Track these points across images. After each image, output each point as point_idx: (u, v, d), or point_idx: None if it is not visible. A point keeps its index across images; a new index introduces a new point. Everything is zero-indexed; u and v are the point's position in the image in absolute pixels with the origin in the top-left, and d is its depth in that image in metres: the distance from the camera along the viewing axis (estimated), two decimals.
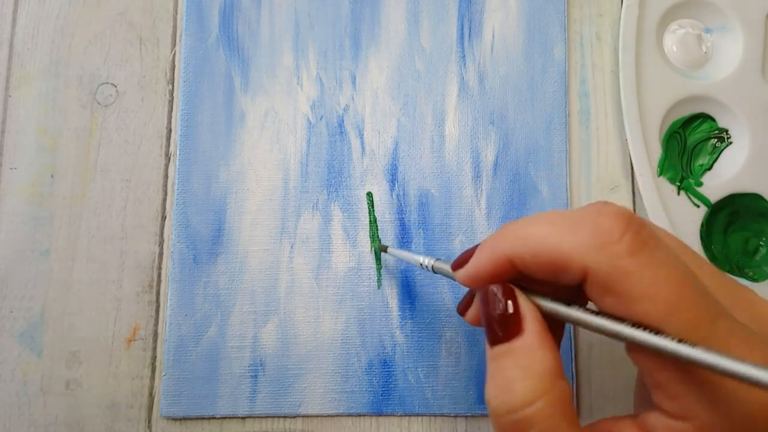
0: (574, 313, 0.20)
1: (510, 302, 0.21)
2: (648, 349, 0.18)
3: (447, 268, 0.25)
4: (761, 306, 0.20)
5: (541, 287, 0.22)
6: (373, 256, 0.33)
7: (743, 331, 0.18)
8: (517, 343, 0.20)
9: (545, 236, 0.20)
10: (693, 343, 0.17)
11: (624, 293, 0.18)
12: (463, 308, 0.25)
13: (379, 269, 0.33)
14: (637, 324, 0.18)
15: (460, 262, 0.23)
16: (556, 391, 0.19)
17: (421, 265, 0.27)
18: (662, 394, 0.19)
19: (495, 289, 0.21)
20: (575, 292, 0.21)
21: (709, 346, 0.17)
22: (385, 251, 0.32)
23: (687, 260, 0.20)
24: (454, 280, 0.24)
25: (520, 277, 0.22)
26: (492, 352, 0.21)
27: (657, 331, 0.18)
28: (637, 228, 0.19)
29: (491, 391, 0.20)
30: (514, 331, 0.20)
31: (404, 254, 0.30)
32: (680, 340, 0.17)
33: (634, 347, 0.19)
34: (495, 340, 0.21)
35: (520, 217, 0.22)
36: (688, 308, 0.18)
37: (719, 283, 0.20)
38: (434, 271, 0.26)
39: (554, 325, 0.22)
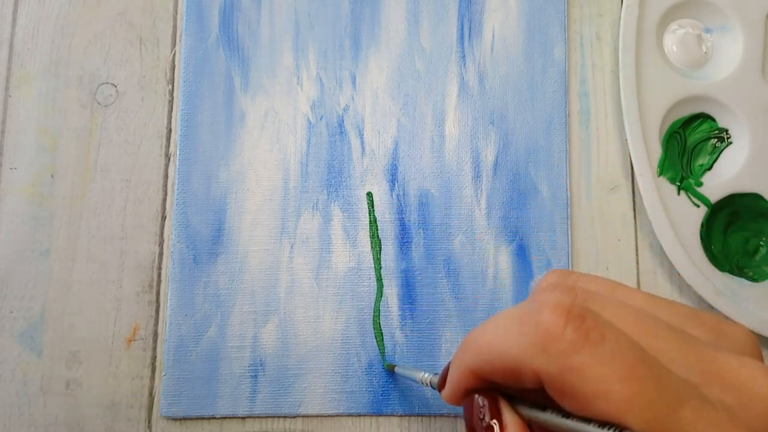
0: (548, 417, 0.20)
1: (491, 412, 0.20)
2: None
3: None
4: (738, 371, 0.18)
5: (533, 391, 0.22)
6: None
7: (712, 412, 0.17)
8: None
9: (497, 343, 0.19)
10: None
11: (577, 394, 0.17)
12: (439, 385, 0.25)
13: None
14: (602, 423, 0.18)
15: (441, 383, 0.23)
16: None
17: (421, 382, 0.27)
18: None
19: (480, 400, 0.21)
20: None
21: None
22: (392, 370, 0.32)
23: (649, 332, 0.19)
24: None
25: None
26: None
27: (622, 428, 0.17)
28: (577, 320, 0.18)
29: None
30: None
31: (410, 372, 0.29)
32: None
33: None
34: None
35: (482, 323, 0.22)
36: (644, 404, 0.17)
37: (689, 353, 0.19)
38: (432, 387, 0.26)
39: None
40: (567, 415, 0.19)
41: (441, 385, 0.23)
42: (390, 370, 0.32)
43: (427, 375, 0.27)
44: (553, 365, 0.18)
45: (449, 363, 0.22)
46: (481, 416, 0.20)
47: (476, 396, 0.21)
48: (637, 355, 0.18)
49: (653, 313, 0.20)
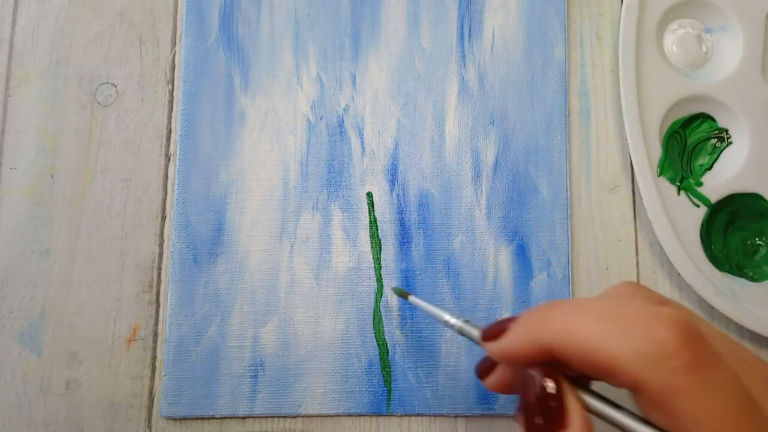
0: (624, 419, 0.19)
1: (557, 394, 0.19)
2: None
3: (476, 334, 0.23)
4: None
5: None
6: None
7: None
8: None
9: (593, 335, 0.18)
10: None
11: (676, 414, 0.17)
12: (483, 373, 0.23)
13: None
14: None
15: (492, 334, 0.22)
16: None
17: (446, 323, 0.25)
18: None
19: (539, 377, 0.20)
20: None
21: None
22: (406, 298, 0.30)
23: (743, 371, 0.19)
24: (481, 346, 0.22)
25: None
26: None
27: None
28: (695, 343, 0.17)
29: None
30: (558, 425, 0.19)
31: (428, 307, 0.27)
32: None
33: None
34: (533, 430, 0.19)
35: (557, 302, 0.20)
36: None
37: None
38: (460, 333, 0.24)
39: None
40: (648, 424, 0.18)
41: (489, 337, 0.22)
42: (401, 296, 0.30)
43: (454, 319, 0.25)
44: (659, 380, 0.17)
45: (506, 320, 0.21)
46: (539, 394, 0.19)
47: (538, 376, 0.20)
48: (743, 392, 0.17)
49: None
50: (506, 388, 0.23)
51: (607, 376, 0.18)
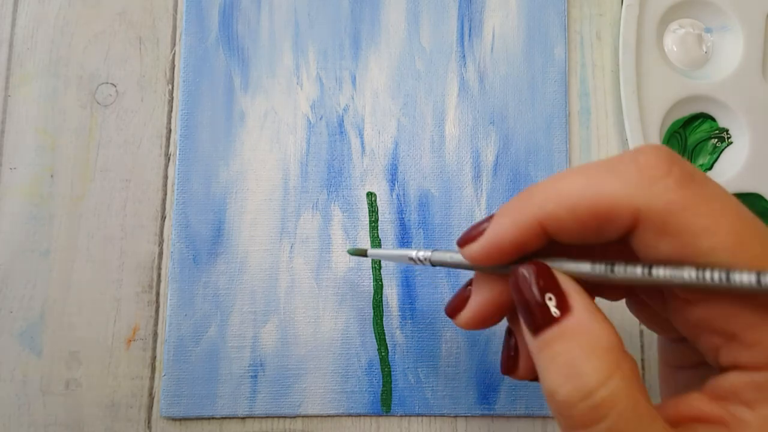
0: (622, 270, 0.18)
1: (551, 280, 0.19)
2: (717, 295, 0.16)
3: (449, 256, 0.22)
4: None
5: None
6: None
7: None
8: (569, 323, 0.18)
9: (582, 187, 0.18)
10: None
11: (683, 230, 0.17)
12: (454, 309, 0.22)
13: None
14: (701, 266, 0.16)
15: (471, 237, 0.20)
16: (627, 364, 0.17)
17: (411, 260, 0.23)
18: (737, 347, 0.17)
19: (526, 271, 0.19)
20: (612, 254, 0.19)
21: None
22: (364, 255, 0.28)
23: None
24: (461, 267, 0.21)
25: (541, 250, 0.20)
26: (539, 341, 0.18)
27: (727, 272, 0.16)
28: (681, 162, 0.17)
29: (554, 380, 0.17)
30: (562, 310, 0.18)
31: (391, 253, 0.26)
32: (759, 273, 0.15)
33: (690, 303, 0.18)
34: (540, 327, 0.18)
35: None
36: (755, 238, 0.16)
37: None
38: (433, 264, 0.23)
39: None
40: (649, 266, 0.18)
41: (467, 240, 0.20)
42: (358, 254, 0.29)
43: (422, 252, 0.23)
44: (659, 200, 0.17)
45: (480, 221, 0.20)
46: (537, 288, 0.19)
47: (522, 269, 0.19)
48: (736, 200, 0.17)
49: None
50: (481, 321, 0.21)
51: (605, 222, 0.18)
